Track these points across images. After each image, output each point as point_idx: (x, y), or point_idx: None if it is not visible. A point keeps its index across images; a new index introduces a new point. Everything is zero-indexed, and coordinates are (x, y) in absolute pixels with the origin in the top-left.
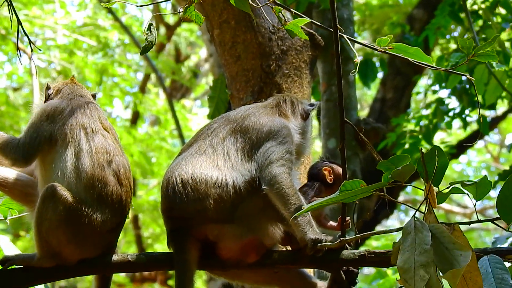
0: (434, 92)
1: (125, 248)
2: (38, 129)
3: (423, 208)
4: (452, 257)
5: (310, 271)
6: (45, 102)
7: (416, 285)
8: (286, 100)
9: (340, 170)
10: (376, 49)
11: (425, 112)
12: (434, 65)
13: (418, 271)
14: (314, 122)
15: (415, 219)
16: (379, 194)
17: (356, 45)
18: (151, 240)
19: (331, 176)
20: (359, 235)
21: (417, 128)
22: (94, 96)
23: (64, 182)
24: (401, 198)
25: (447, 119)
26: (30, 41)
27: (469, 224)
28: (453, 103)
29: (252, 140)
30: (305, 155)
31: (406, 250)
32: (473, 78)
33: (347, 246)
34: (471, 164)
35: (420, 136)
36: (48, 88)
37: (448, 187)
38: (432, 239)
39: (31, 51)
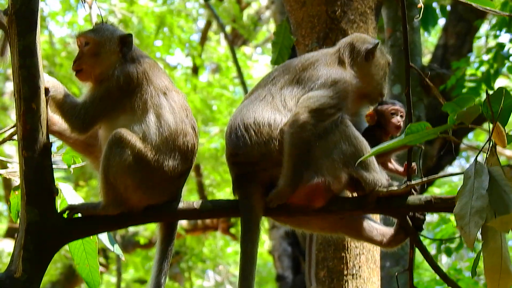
0: (496, 37)
1: (187, 195)
2: (105, 100)
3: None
4: (509, 201)
5: (376, 217)
6: (122, 54)
7: (470, 232)
8: (346, 46)
9: (385, 107)
10: None
11: (485, 57)
12: (497, 10)
13: (474, 217)
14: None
15: (476, 162)
16: (445, 136)
17: None
18: (212, 188)
19: (371, 120)
20: (425, 178)
21: (478, 73)
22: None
23: (141, 135)
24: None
25: (508, 64)
26: None
27: None
28: None
29: (306, 91)
30: (377, 95)
31: (465, 196)
32: None
33: (413, 192)
34: None
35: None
36: (130, 40)
37: None
38: (491, 183)
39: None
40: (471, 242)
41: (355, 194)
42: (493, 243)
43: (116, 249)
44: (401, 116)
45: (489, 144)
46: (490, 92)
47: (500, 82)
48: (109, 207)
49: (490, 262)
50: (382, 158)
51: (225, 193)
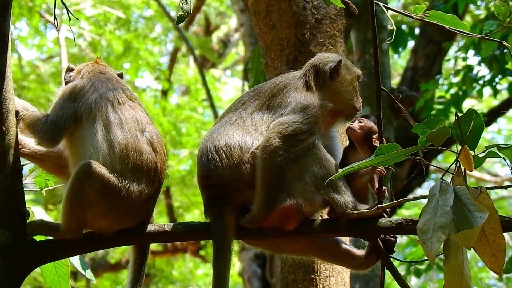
0: (465, 59)
1: (157, 218)
2: (62, 108)
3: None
4: (472, 219)
5: (346, 240)
6: (66, 84)
7: (432, 247)
8: (310, 69)
9: (361, 124)
10: (412, 17)
11: (454, 79)
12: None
13: (436, 233)
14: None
15: (442, 181)
16: (415, 158)
17: (387, 13)
18: (182, 210)
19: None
20: (396, 201)
21: (447, 96)
22: (120, 75)
23: (98, 157)
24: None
25: (477, 86)
26: (68, 10)
27: (504, 189)
28: (483, 70)
29: (276, 116)
30: (350, 111)
31: (428, 212)
32: (509, 45)
33: (384, 214)
34: (501, 133)
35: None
36: (69, 70)
37: (484, 151)
38: (455, 201)
39: (69, 21)
40: (433, 257)
41: (326, 216)
42: (454, 260)
43: (88, 274)
44: (360, 122)
45: (456, 164)
46: (460, 114)
47: (468, 103)
48: (68, 233)
49: (450, 278)
50: (363, 180)
51: (194, 215)
